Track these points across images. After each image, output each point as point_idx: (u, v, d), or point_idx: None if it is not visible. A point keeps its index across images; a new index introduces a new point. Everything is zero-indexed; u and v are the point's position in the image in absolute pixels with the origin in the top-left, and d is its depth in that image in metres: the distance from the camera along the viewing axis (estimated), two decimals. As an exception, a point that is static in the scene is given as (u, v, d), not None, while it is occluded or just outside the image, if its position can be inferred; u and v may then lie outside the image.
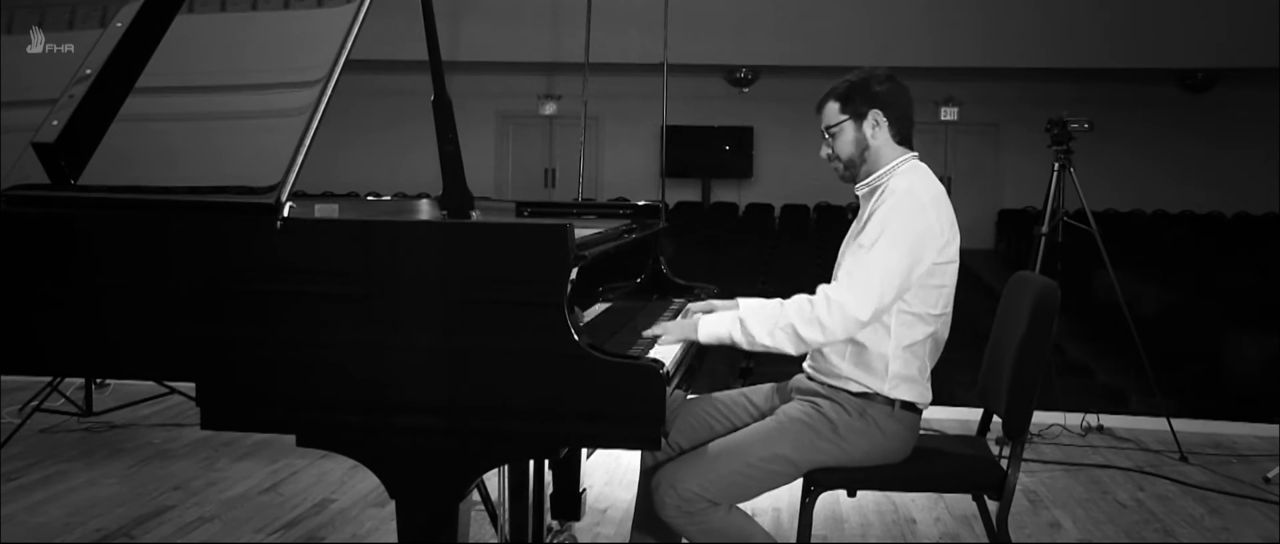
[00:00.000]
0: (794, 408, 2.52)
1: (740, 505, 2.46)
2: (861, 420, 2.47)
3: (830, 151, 2.59)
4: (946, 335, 2.56)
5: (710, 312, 2.57)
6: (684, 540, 2.50)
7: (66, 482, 3.97)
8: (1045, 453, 4.57)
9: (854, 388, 2.48)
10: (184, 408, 4.96)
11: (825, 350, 2.51)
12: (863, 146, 2.54)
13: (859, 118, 2.54)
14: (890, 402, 2.48)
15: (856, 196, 2.62)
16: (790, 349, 2.39)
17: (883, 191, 2.48)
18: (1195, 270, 10.85)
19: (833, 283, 2.42)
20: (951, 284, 2.50)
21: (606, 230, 2.64)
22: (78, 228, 2.11)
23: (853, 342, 2.47)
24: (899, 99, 2.55)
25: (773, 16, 13.51)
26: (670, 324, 2.51)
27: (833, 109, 2.57)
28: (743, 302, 2.72)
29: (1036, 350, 2.47)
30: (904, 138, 2.57)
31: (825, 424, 2.47)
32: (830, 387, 2.51)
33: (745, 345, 2.40)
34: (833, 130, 2.57)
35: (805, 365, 2.64)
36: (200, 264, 2.03)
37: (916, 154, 2.59)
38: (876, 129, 2.53)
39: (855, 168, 2.57)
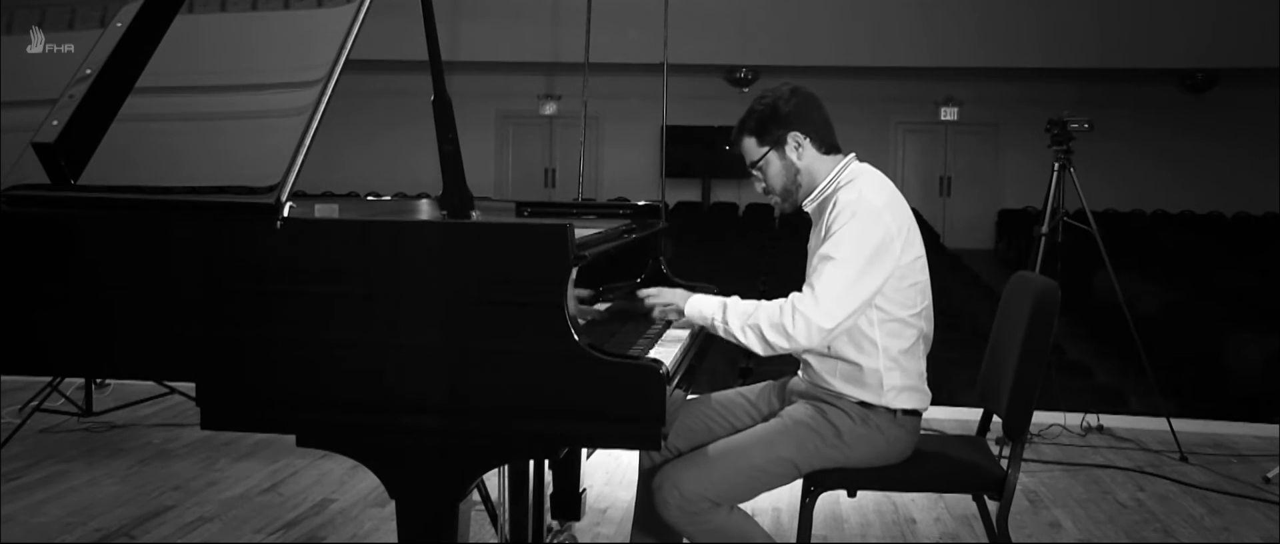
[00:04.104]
0: (798, 411, 2.52)
1: (740, 505, 2.46)
2: (864, 427, 2.47)
3: (764, 186, 2.57)
4: (932, 330, 2.56)
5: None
6: (685, 541, 2.50)
7: (66, 482, 3.97)
8: (1045, 453, 4.57)
9: (854, 397, 2.48)
10: (184, 408, 4.96)
11: (817, 367, 2.51)
12: (793, 172, 2.52)
13: (779, 145, 2.51)
14: (892, 411, 2.48)
15: (808, 213, 2.59)
16: (758, 349, 2.38)
17: (834, 204, 2.44)
18: (1195, 270, 10.84)
19: (799, 293, 2.39)
20: (924, 279, 2.50)
21: (606, 230, 2.64)
22: (78, 228, 2.11)
23: (843, 360, 2.46)
24: (810, 111, 2.51)
25: (773, 16, 13.52)
26: (663, 289, 2.52)
27: (750, 144, 2.54)
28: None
29: (1036, 350, 2.47)
30: (830, 146, 2.53)
31: (830, 430, 2.47)
32: (832, 392, 2.51)
33: (721, 331, 2.40)
34: (759, 165, 2.54)
35: (799, 374, 2.64)
36: (200, 264, 2.03)
37: (852, 155, 2.56)
38: (800, 150, 2.50)
39: (793, 194, 2.55)
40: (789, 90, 2.52)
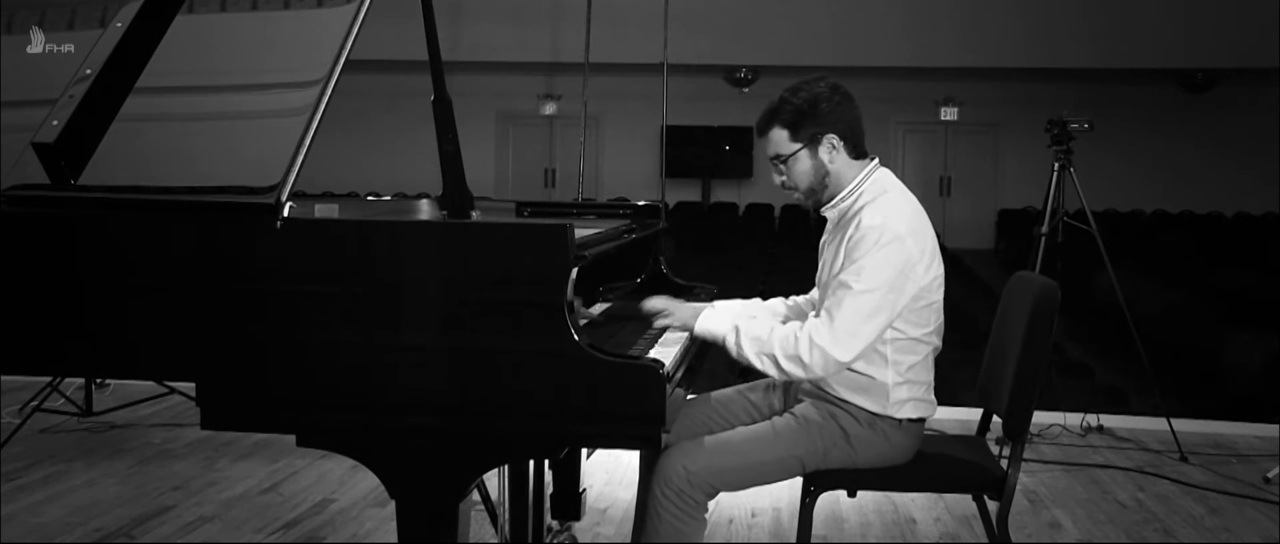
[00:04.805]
0: (809, 410, 2.51)
1: (741, 501, 2.46)
2: (871, 431, 2.47)
3: (784, 180, 2.48)
4: (942, 341, 2.55)
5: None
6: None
7: (66, 482, 3.97)
8: (1045, 453, 4.57)
9: (860, 405, 2.47)
10: (184, 408, 4.96)
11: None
12: (822, 173, 2.43)
13: (814, 144, 2.41)
14: (897, 420, 2.47)
15: (824, 216, 2.54)
16: (773, 374, 2.37)
17: (856, 223, 2.37)
18: (1195, 270, 10.84)
19: (817, 320, 2.34)
20: (939, 298, 2.47)
21: (606, 230, 2.64)
22: (77, 228, 2.11)
23: (852, 371, 2.43)
24: (849, 113, 2.42)
25: (773, 16, 13.51)
26: (674, 304, 2.50)
27: (781, 137, 2.43)
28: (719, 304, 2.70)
29: (1036, 350, 2.47)
30: (860, 151, 2.46)
31: (838, 433, 2.47)
32: (838, 398, 2.50)
33: (733, 354, 2.38)
34: (785, 159, 2.44)
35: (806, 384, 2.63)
36: (200, 264, 2.03)
37: (876, 160, 2.50)
38: (834, 152, 2.42)
39: (817, 195, 2.47)
40: (829, 87, 2.41)
